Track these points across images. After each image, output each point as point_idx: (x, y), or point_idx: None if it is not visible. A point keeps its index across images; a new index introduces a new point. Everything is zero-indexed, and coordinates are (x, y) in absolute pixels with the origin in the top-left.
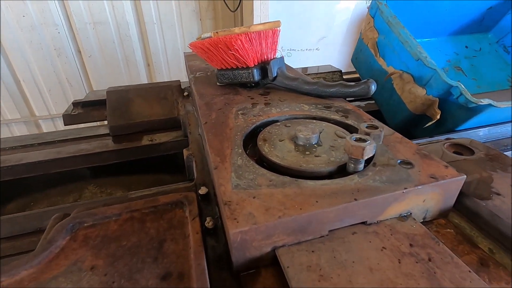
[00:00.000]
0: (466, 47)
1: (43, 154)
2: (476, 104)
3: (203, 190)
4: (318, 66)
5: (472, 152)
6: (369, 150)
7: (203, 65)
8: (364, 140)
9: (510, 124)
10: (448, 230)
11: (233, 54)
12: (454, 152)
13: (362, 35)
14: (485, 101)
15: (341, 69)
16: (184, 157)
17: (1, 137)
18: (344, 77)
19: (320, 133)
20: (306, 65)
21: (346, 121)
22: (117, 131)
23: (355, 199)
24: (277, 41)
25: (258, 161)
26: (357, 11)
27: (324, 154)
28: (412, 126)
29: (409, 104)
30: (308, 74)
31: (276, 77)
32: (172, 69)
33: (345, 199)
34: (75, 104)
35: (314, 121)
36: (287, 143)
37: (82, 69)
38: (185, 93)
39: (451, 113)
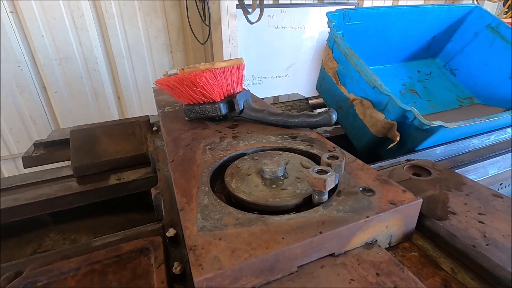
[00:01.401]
0: (418, 71)
1: None
2: (429, 126)
3: (170, 232)
4: (288, 94)
5: (429, 172)
6: (330, 181)
7: (171, 100)
8: (326, 172)
9: (464, 140)
10: (413, 253)
11: (199, 90)
12: (413, 174)
13: (323, 65)
14: (437, 123)
15: (310, 94)
16: (152, 196)
17: None
18: (311, 101)
19: (286, 164)
20: (277, 92)
21: (311, 151)
22: (82, 171)
23: (320, 232)
24: (242, 75)
25: (226, 198)
26: (321, 39)
27: (290, 186)
28: (377, 147)
29: (371, 127)
30: (279, 102)
31: (242, 110)
32: (144, 101)
33: (310, 233)
34: (37, 144)
35: (281, 152)
36: (254, 177)
37: (47, 106)
38: (154, 128)
39: (409, 134)
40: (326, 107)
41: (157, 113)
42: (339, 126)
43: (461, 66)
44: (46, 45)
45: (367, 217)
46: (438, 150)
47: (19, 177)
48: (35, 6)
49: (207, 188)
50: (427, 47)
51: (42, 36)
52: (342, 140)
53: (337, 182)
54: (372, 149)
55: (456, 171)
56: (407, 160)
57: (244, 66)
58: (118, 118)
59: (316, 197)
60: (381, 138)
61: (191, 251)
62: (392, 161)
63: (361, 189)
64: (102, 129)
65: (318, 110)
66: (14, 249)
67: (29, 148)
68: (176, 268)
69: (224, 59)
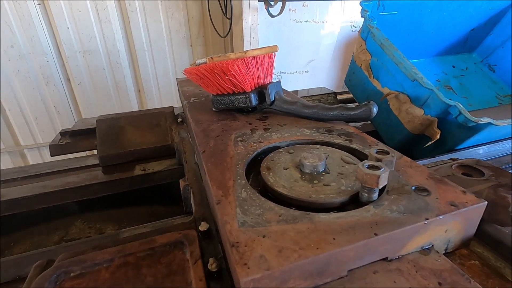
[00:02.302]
0: (454, 66)
1: (26, 189)
2: (476, 123)
3: (203, 226)
4: (313, 88)
5: (481, 173)
6: (384, 178)
7: (197, 91)
8: (378, 168)
9: (509, 141)
10: (473, 261)
11: (229, 79)
12: (463, 174)
13: (354, 58)
14: (485, 120)
15: (332, 91)
16: (181, 188)
17: None
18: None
19: (326, 159)
20: (296, 88)
21: (351, 145)
22: (107, 161)
23: (375, 234)
24: (273, 65)
25: (262, 192)
26: (343, 34)
27: (333, 182)
28: (411, 146)
29: (407, 124)
30: (307, 96)
31: (274, 101)
32: (163, 94)
33: (364, 235)
34: (63, 133)
35: (318, 146)
36: (293, 171)
37: (71, 97)
38: (179, 119)
39: (450, 132)
40: (354, 102)
41: (180, 105)
42: (369, 122)
43: (501, 61)
44: (71, 38)
45: (427, 219)
46: (481, 150)
47: (46, 164)
48: None
49: (243, 181)
50: (464, 41)
51: (68, 28)
52: (373, 137)
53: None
54: (405, 148)
55: None
56: (452, 159)
57: (275, 56)
58: (138, 109)
59: (365, 195)
60: (416, 136)
61: (233, 248)
62: (434, 159)
63: (414, 187)
64: (127, 119)
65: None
66: (41, 236)
67: (56, 136)
68: (212, 265)
69: None
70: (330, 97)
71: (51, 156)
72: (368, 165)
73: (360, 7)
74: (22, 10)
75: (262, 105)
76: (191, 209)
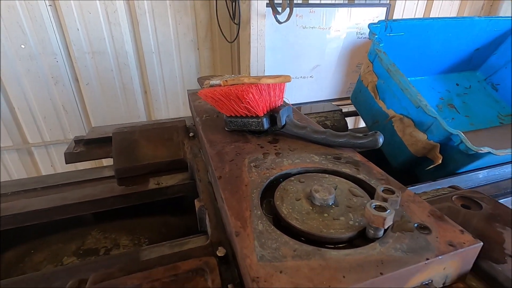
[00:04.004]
0: (457, 84)
1: (47, 201)
2: (476, 152)
3: (221, 252)
4: (316, 104)
5: (479, 205)
6: (389, 219)
7: (208, 106)
8: (384, 209)
9: (509, 165)
10: None
11: (244, 106)
12: (462, 205)
13: (361, 77)
14: (485, 149)
15: (334, 96)
16: (196, 209)
17: (1, 180)
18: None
19: (335, 190)
20: (302, 92)
21: (358, 176)
22: (122, 173)
23: (381, 273)
24: (284, 90)
25: (275, 220)
26: (348, 40)
27: (342, 216)
28: (413, 166)
29: (410, 146)
30: (313, 112)
31: (284, 125)
32: (169, 96)
33: (371, 274)
34: (77, 141)
35: (327, 175)
36: (304, 203)
37: (78, 97)
38: (191, 134)
39: (451, 157)
40: (357, 115)
41: (188, 113)
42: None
43: (504, 81)
44: (81, 39)
45: (427, 259)
46: (481, 174)
47: (63, 175)
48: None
49: (259, 212)
50: (469, 60)
51: (78, 29)
52: (376, 154)
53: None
54: (408, 168)
55: (502, 200)
56: (451, 187)
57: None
58: (143, 111)
59: (371, 232)
60: (419, 158)
61: (254, 282)
62: (434, 184)
63: (416, 225)
64: (141, 133)
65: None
66: (59, 245)
67: (70, 144)
68: None
69: (251, 58)
70: (336, 114)
71: (66, 163)
72: (375, 205)
73: (368, 21)
74: (34, 11)
75: (273, 127)
76: (205, 229)
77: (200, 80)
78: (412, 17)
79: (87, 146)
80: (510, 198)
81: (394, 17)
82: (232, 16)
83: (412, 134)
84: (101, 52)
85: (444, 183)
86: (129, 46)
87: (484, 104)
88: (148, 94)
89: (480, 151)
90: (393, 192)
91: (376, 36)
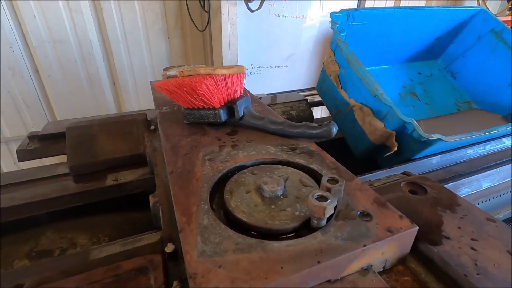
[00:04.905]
0: (419, 73)
1: None
2: (427, 138)
3: (169, 248)
4: (286, 94)
5: (425, 190)
6: (330, 209)
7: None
8: (326, 198)
9: (460, 150)
10: (406, 278)
11: (199, 98)
12: (410, 191)
13: (325, 67)
14: (435, 136)
15: (309, 85)
16: (150, 205)
17: None
18: (310, 99)
19: (286, 181)
20: (276, 82)
21: (310, 166)
22: (78, 170)
23: (318, 262)
24: (243, 80)
25: (225, 215)
26: (322, 29)
27: (289, 207)
28: (374, 154)
29: (370, 135)
30: (278, 103)
31: (242, 116)
32: (140, 87)
33: (309, 263)
34: (31, 137)
35: (280, 166)
36: (253, 195)
37: (40, 89)
38: (152, 127)
39: (407, 144)
40: (323, 105)
41: (154, 106)
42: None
43: (462, 69)
44: (39, 27)
45: (364, 245)
46: (434, 160)
47: (15, 174)
48: None
49: (206, 207)
50: (429, 49)
51: (34, 17)
52: (340, 143)
53: (335, 206)
54: (370, 155)
55: (451, 184)
56: (404, 173)
57: (244, 74)
58: (113, 103)
59: (315, 221)
60: (379, 145)
61: (191, 279)
62: (389, 171)
63: (359, 213)
64: (99, 127)
65: (316, 111)
66: (10, 248)
67: (23, 140)
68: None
69: (223, 47)
70: (302, 104)
71: (19, 161)
72: (318, 195)
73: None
74: None
75: (232, 119)
76: (159, 225)
77: (164, 71)
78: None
79: (42, 142)
80: (458, 181)
81: (366, 6)
82: (202, 4)
83: (371, 123)
84: (62, 41)
85: (400, 169)
86: (93, 34)
87: (443, 91)
88: (117, 86)
89: (431, 138)
90: (336, 182)
91: (338, 25)
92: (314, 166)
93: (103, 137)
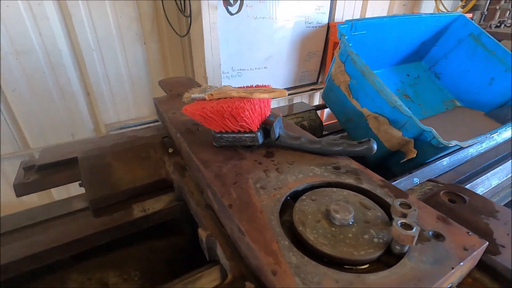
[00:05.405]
0: (408, 75)
1: (11, 251)
2: (446, 145)
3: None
4: (297, 104)
5: (462, 199)
6: (417, 237)
7: (184, 117)
8: (410, 226)
9: (462, 151)
10: None
11: (240, 124)
12: (449, 200)
13: (332, 76)
14: (454, 143)
15: (288, 85)
16: (203, 239)
17: None
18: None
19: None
20: (256, 83)
21: (362, 186)
22: (98, 204)
23: None
24: (271, 99)
25: (296, 243)
26: (297, 29)
27: (365, 234)
28: (388, 159)
29: (386, 142)
30: (287, 115)
31: (278, 137)
32: (117, 96)
33: None
34: (26, 168)
35: (334, 189)
36: (324, 224)
37: (5, 105)
38: (170, 150)
39: (421, 150)
40: (322, 109)
41: (153, 118)
42: (346, 133)
43: (444, 70)
44: None
45: (452, 268)
46: (445, 161)
47: (25, 213)
48: None
49: (286, 242)
50: (416, 52)
51: None
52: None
53: None
54: (382, 161)
55: (468, 185)
56: (431, 181)
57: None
58: (88, 115)
59: (397, 248)
60: (392, 151)
61: None
62: (410, 177)
63: (430, 233)
64: (113, 155)
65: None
66: None
67: (18, 173)
68: None
69: (206, 52)
70: (311, 113)
71: (17, 197)
72: (401, 223)
73: (313, 10)
74: None
75: (266, 140)
76: (215, 259)
77: (164, 85)
78: (353, 8)
79: (41, 173)
80: (472, 183)
81: (337, 7)
82: (181, 8)
83: (387, 131)
84: (27, 51)
85: (418, 174)
86: (62, 43)
87: (431, 91)
88: (91, 96)
89: (450, 145)
90: (410, 207)
91: (346, 37)
92: (365, 186)
93: (119, 166)
